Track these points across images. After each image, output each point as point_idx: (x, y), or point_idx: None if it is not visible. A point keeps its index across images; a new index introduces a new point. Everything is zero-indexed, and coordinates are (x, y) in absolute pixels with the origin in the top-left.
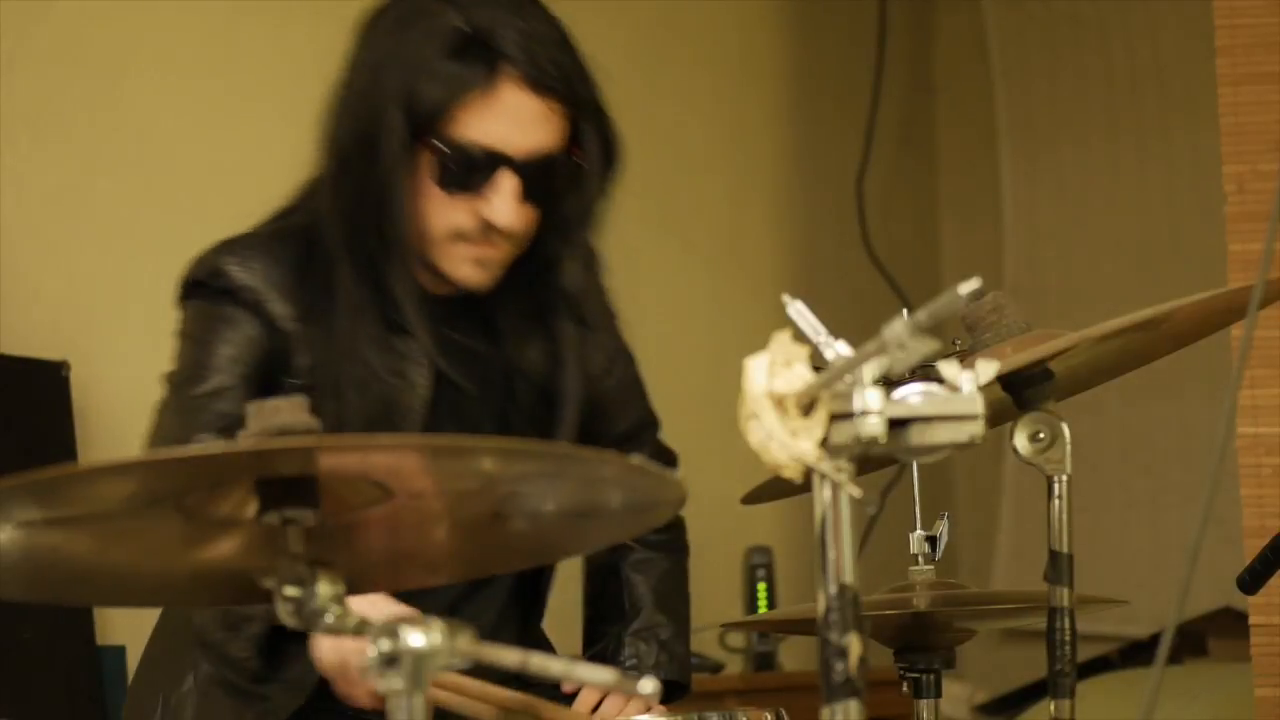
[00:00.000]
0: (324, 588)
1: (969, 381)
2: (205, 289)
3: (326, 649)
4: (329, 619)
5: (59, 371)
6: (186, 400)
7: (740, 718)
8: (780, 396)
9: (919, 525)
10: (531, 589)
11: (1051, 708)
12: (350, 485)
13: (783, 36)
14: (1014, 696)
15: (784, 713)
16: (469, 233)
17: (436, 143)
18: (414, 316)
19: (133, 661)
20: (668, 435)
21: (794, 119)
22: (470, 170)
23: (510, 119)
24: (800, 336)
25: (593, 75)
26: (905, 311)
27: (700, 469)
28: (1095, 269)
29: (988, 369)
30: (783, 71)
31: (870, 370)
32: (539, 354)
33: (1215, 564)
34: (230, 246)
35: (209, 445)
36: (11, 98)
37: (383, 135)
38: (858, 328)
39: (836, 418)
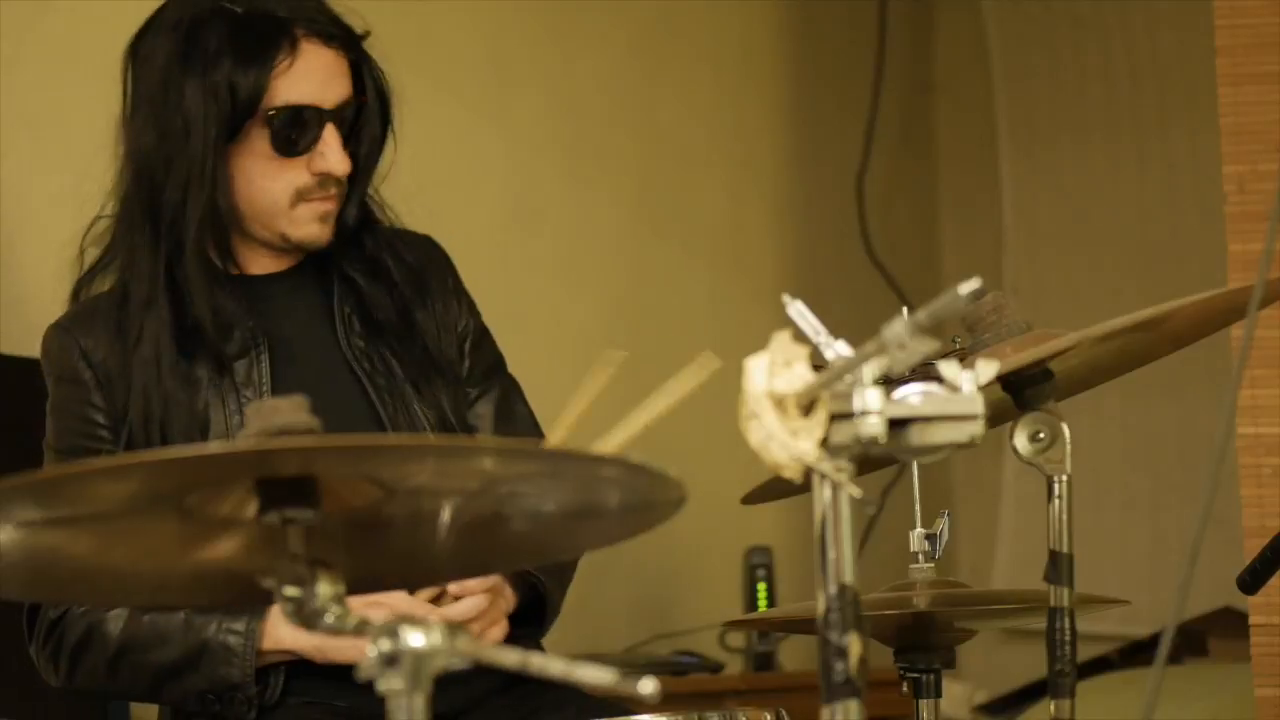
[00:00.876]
0: (324, 588)
1: (969, 381)
2: (45, 365)
3: (298, 637)
4: (329, 619)
5: None
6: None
7: (740, 718)
8: (780, 396)
9: (919, 524)
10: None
11: (1051, 708)
12: (350, 485)
13: (783, 36)
14: (1014, 696)
15: (784, 713)
16: (308, 189)
17: (269, 112)
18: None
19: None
20: (668, 435)
21: (794, 119)
22: (300, 130)
23: (319, 76)
24: (800, 336)
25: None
26: (905, 311)
27: (700, 469)
28: (1095, 269)
29: (988, 369)
30: (783, 71)
31: (870, 370)
32: (388, 300)
33: (1215, 564)
34: (59, 323)
35: (209, 445)
36: (11, 98)
37: (201, 132)
38: (858, 328)
39: (836, 418)
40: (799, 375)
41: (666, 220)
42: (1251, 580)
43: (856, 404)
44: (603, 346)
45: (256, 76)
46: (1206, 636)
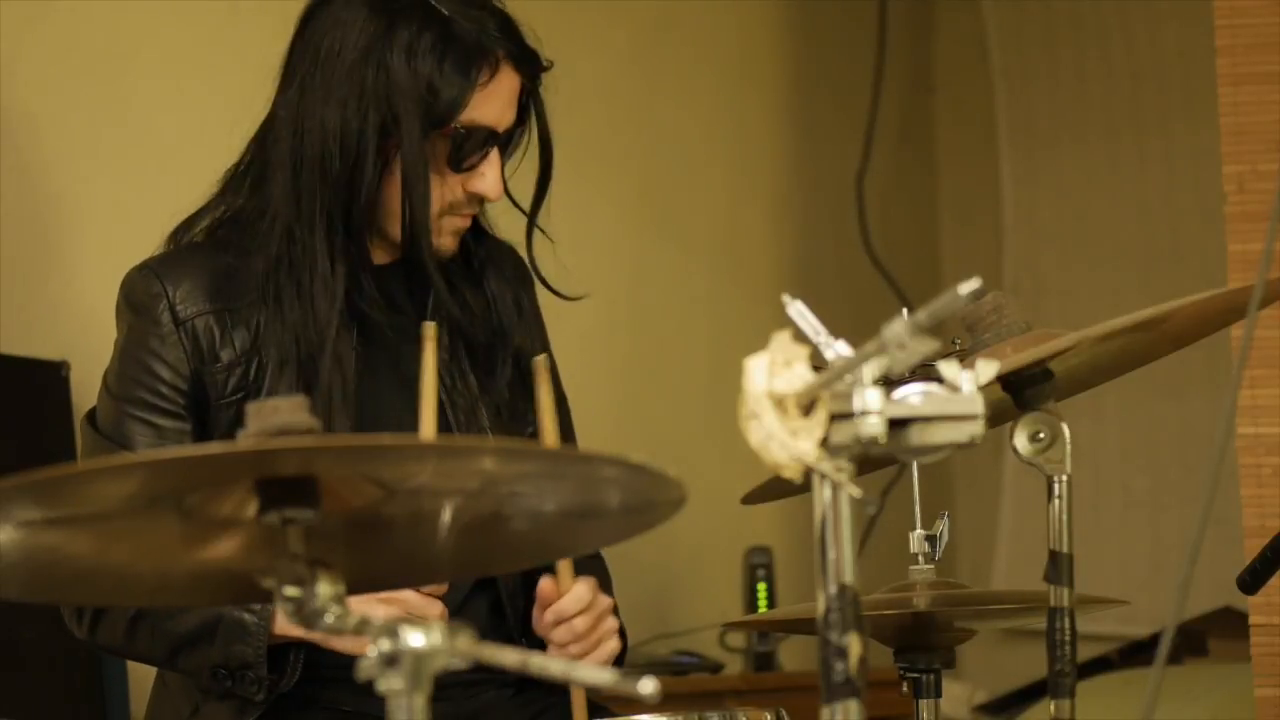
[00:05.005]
0: (324, 588)
1: (969, 381)
2: (124, 305)
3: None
4: (329, 619)
5: (59, 371)
6: (118, 407)
7: (740, 718)
8: (780, 396)
9: (919, 525)
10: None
11: (1051, 708)
12: (350, 485)
13: (783, 36)
14: (1014, 696)
15: (784, 713)
16: (458, 204)
17: (456, 127)
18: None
19: (133, 661)
20: (669, 434)
21: (794, 119)
22: (475, 149)
23: (503, 100)
24: (800, 336)
25: None
26: (905, 311)
27: (700, 469)
28: (1095, 269)
29: (988, 369)
30: (783, 71)
31: (870, 370)
32: (480, 305)
33: (1215, 564)
34: (150, 264)
35: (209, 445)
36: (11, 98)
37: (397, 118)
38: (858, 328)
39: (836, 418)
40: (799, 375)
41: (666, 220)
42: (1251, 580)
43: (856, 404)
44: (603, 346)
45: (460, 88)
46: (1206, 636)
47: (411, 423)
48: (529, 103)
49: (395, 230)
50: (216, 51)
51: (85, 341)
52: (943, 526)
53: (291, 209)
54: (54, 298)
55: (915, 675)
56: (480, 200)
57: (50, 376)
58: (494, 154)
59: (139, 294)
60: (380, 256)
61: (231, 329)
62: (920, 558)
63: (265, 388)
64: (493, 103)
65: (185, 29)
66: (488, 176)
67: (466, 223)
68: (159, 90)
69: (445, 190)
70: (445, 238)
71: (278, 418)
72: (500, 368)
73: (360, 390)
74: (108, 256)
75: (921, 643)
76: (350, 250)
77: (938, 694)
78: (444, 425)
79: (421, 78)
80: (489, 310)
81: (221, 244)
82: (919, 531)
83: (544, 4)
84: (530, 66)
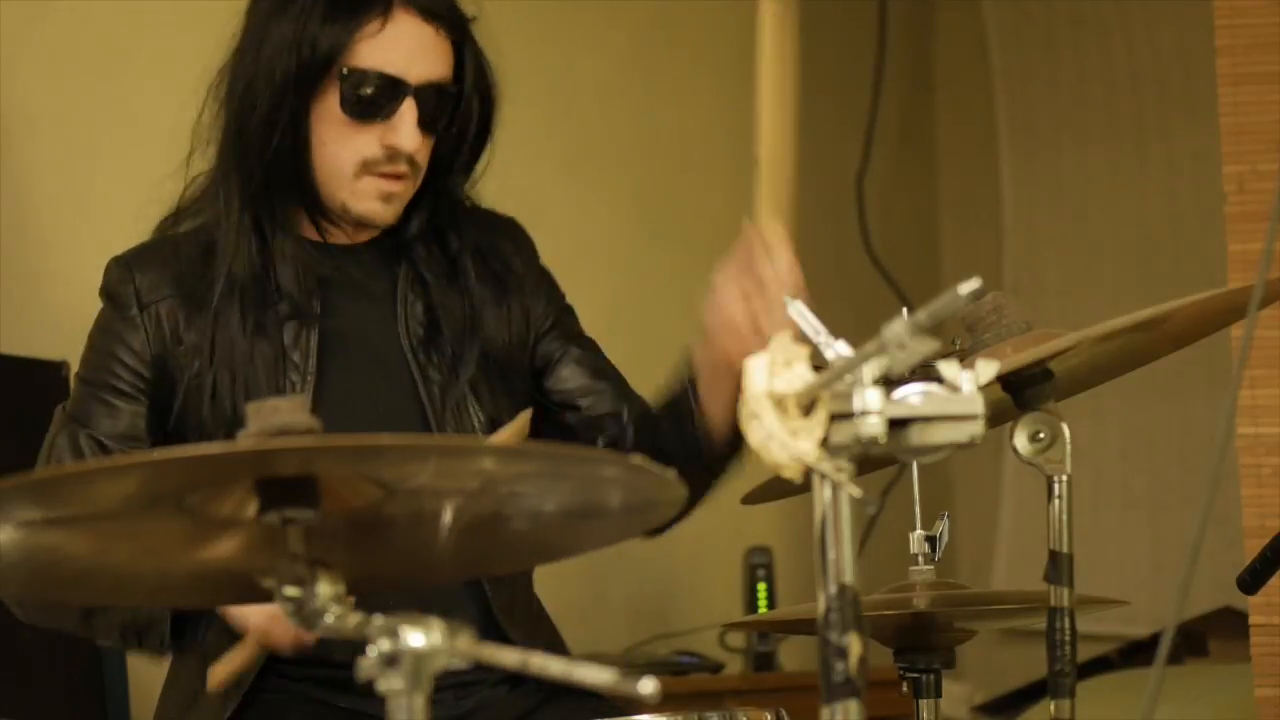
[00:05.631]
0: (324, 588)
1: (969, 381)
2: (100, 294)
3: (251, 612)
4: (329, 619)
5: (59, 371)
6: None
7: (740, 718)
8: (780, 396)
9: (919, 525)
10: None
11: (1051, 708)
12: (350, 485)
13: None
14: (1014, 696)
15: (784, 713)
16: (376, 161)
17: (344, 71)
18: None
19: (133, 661)
20: None
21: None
22: (375, 97)
23: (406, 47)
24: (800, 336)
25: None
26: (905, 311)
27: None
28: (1095, 269)
29: (988, 369)
30: None
31: (870, 370)
32: (459, 305)
33: (1215, 564)
34: (124, 255)
35: (209, 445)
36: (11, 98)
37: (283, 81)
38: (858, 328)
39: (836, 418)
40: (799, 375)
41: (665, 220)
42: (1251, 580)
43: (856, 404)
44: (602, 346)
45: (338, 33)
46: (1206, 636)
47: (373, 406)
48: (464, 57)
49: (327, 203)
50: (216, 51)
51: (85, 342)
52: (943, 527)
53: (218, 180)
54: (54, 298)
55: (915, 675)
56: (403, 156)
57: (50, 376)
58: (406, 105)
59: (112, 282)
60: (340, 236)
61: (197, 313)
62: (920, 558)
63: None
64: (391, 49)
65: (185, 29)
66: (400, 129)
67: (393, 187)
68: (159, 90)
69: (359, 144)
70: (370, 201)
71: (278, 418)
72: (464, 362)
73: (325, 368)
74: (108, 256)
75: (921, 643)
76: (271, 220)
77: (938, 694)
78: (418, 406)
79: (303, 35)
80: (461, 300)
81: (193, 233)
82: (919, 532)
83: (543, 4)
84: (444, 17)
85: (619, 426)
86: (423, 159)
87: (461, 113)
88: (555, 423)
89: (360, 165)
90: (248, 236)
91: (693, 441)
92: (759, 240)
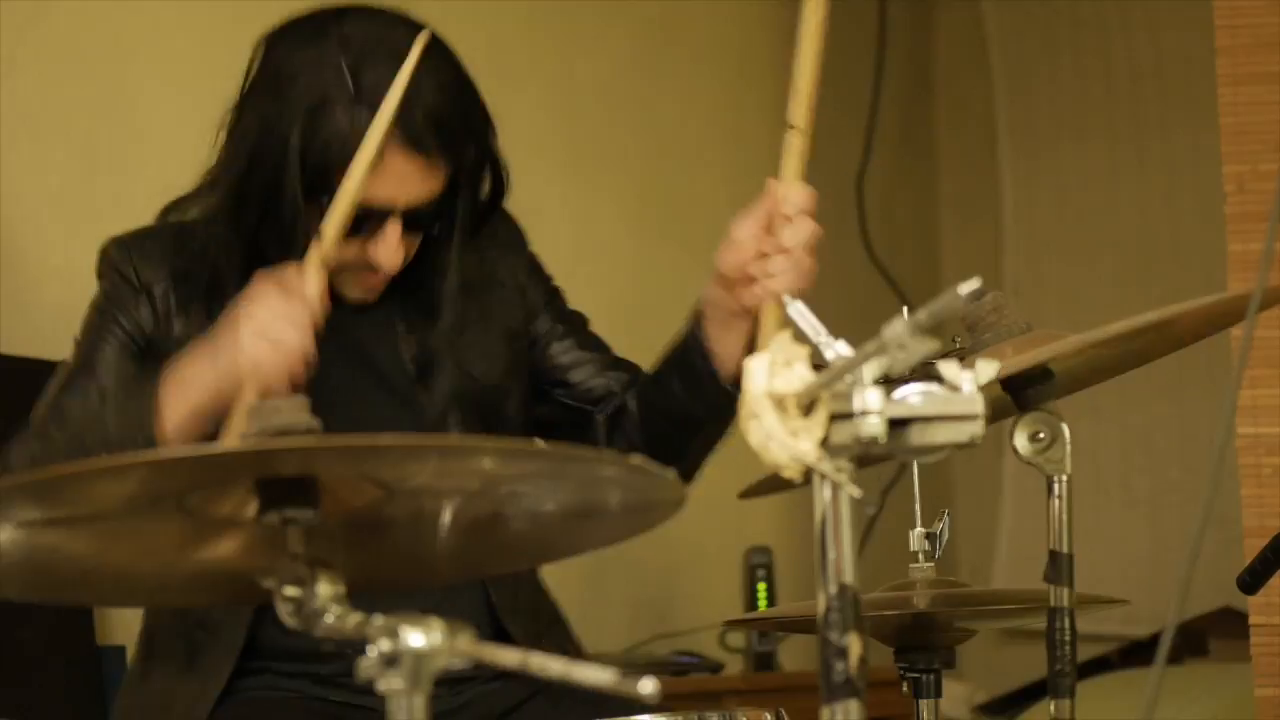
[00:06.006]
0: (324, 588)
1: (969, 381)
2: (98, 269)
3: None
4: (329, 619)
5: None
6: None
7: (740, 718)
8: (780, 396)
9: (919, 523)
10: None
11: (1051, 708)
12: (350, 485)
13: (783, 36)
14: (1014, 696)
15: (784, 713)
16: (355, 267)
17: (326, 199)
18: None
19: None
20: None
21: None
22: (358, 222)
23: (395, 179)
24: (800, 336)
25: (477, 108)
26: (905, 311)
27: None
28: (1095, 269)
29: (988, 369)
30: (783, 71)
31: (870, 370)
32: (445, 338)
33: (1215, 564)
34: (123, 236)
35: (209, 445)
36: (11, 98)
37: (285, 183)
38: (858, 328)
39: (837, 418)
40: (799, 375)
41: (666, 220)
42: (1251, 580)
43: (857, 404)
44: None
45: (330, 159)
46: (1206, 636)
47: (364, 407)
48: (459, 175)
49: None
50: (216, 51)
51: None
52: (943, 525)
53: (219, 208)
54: (54, 298)
55: (915, 675)
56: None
57: (50, 376)
58: (390, 227)
59: (111, 257)
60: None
61: (186, 303)
62: (920, 557)
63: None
64: (381, 182)
65: (185, 29)
66: (379, 249)
67: (375, 284)
68: (159, 90)
69: (340, 250)
70: (355, 290)
71: (278, 418)
72: (435, 382)
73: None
74: None
75: (922, 642)
76: (263, 257)
77: (938, 694)
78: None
79: (298, 130)
80: (448, 337)
81: (188, 229)
82: (919, 530)
83: (544, 4)
84: (435, 148)
85: (617, 398)
86: (408, 255)
87: (460, 213)
88: (551, 401)
89: (340, 268)
90: (241, 258)
91: (705, 389)
92: (783, 201)
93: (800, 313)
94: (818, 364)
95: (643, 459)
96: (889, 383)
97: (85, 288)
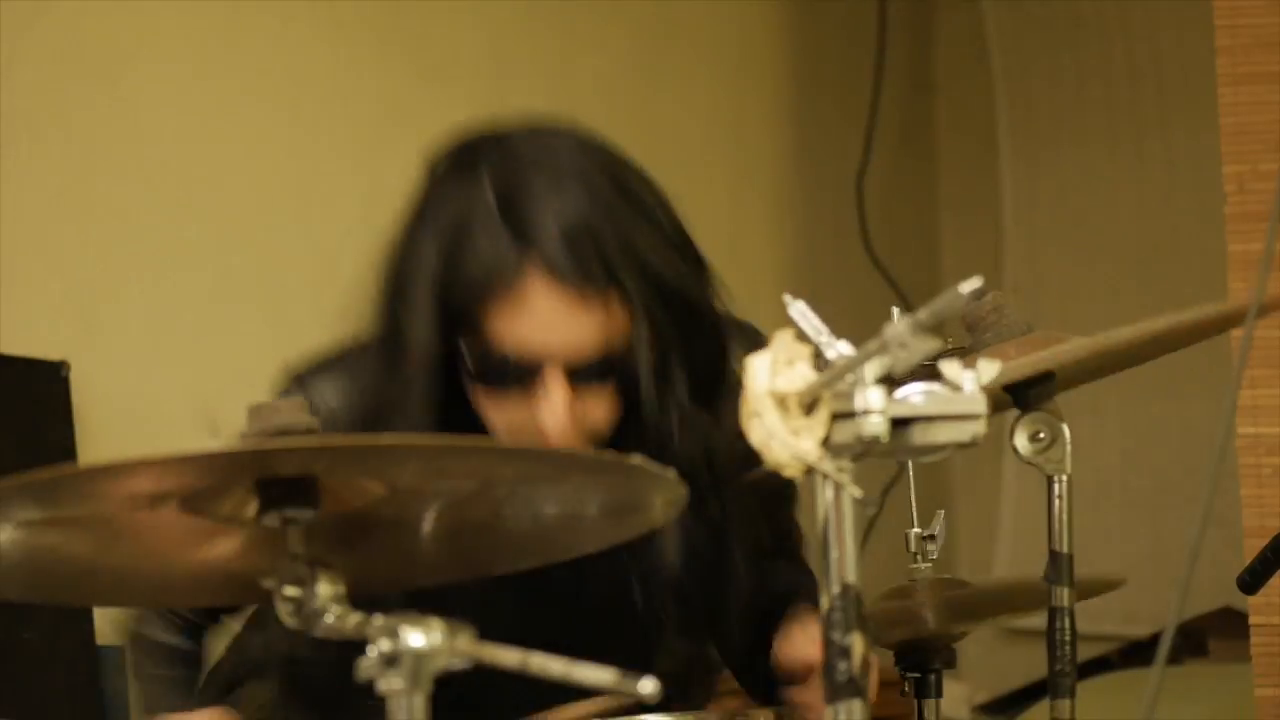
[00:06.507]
0: (324, 588)
1: (971, 381)
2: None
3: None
4: (329, 619)
5: (59, 371)
6: None
7: (740, 718)
8: (782, 395)
9: (916, 523)
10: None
11: (1051, 708)
12: (350, 485)
13: (783, 36)
14: (1014, 696)
15: (784, 713)
16: (529, 430)
17: (466, 344)
18: None
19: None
20: None
21: (794, 119)
22: (506, 374)
23: (542, 320)
24: (801, 336)
25: (649, 227)
26: (899, 312)
27: None
28: (1095, 269)
29: (989, 369)
30: (783, 71)
31: (872, 369)
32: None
33: (1215, 564)
34: (306, 370)
35: (209, 445)
36: (11, 98)
37: (417, 328)
38: (858, 328)
39: (838, 417)
40: (801, 374)
41: None
42: (1251, 580)
43: (858, 403)
44: None
45: (467, 298)
46: (1206, 636)
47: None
48: (635, 309)
49: None
50: (216, 51)
51: (85, 341)
52: (939, 524)
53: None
54: (54, 298)
55: (915, 675)
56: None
57: (50, 376)
58: (551, 382)
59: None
60: None
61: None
62: (919, 557)
63: None
64: (525, 324)
65: (185, 29)
66: (543, 408)
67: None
68: (159, 90)
69: (504, 409)
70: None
71: (278, 418)
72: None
73: None
74: (108, 256)
75: (922, 643)
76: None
77: (938, 694)
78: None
79: (443, 253)
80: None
81: (358, 362)
82: (916, 531)
83: (544, 3)
84: (591, 281)
85: None
86: (590, 424)
87: (642, 358)
88: None
89: (514, 430)
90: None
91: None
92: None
93: (801, 313)
94: (818, 364)
95: (642, 459)
96: (889, 383)
97: (85, 288)
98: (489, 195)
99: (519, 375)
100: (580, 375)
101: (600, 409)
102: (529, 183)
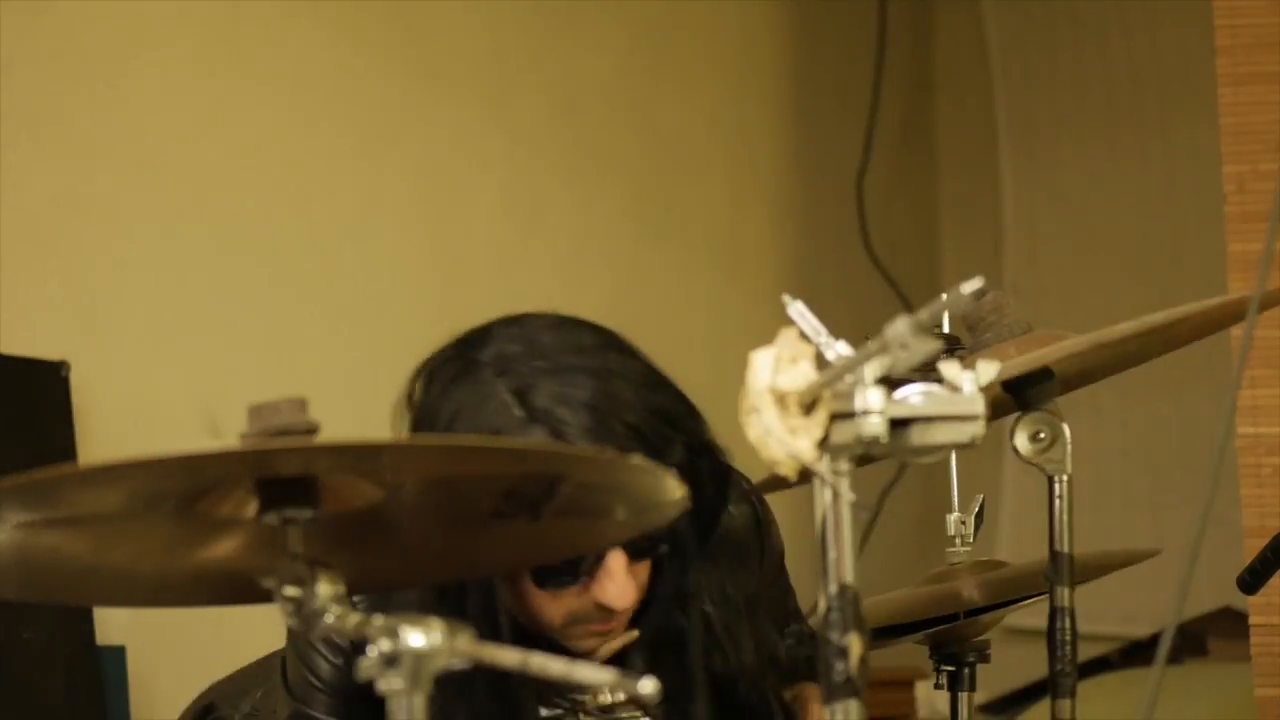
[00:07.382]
0: (324, 588)
1: (970, 381)
2: None
3: None
4: (329, 619)
5: (59, 371)
6: None
7: None
8: (782, 393)
9: (956, 507)
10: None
11: (1052, 708)
12: (350, 485)
13: (783, 36)
14: (1014, 696)
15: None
16: (587, 615)
17: None
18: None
19: (133, 661)
20: None
21: (794, 119)
22: (578, 570)
23: None
24: (801, 337)
25: (675, 397)
26: (900, 315)
27: None
28: (1095, 269)
29: (989, 369)
30: (783, 71)
31: (872, 370)
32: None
33: (1215, 564)
34: None
35: (209, 445)
36: (11, 98)
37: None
38: (858, 328)
39: (838, 417)
40: (803, 373)
41: (666, 220)
42: (1251, 580)
43: (858, 403)
44: None
45: None
46: (1206, 636)
47: None
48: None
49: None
50: (216, 51)
51: (85, 341)
52: (977, 507)
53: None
54: (54, 298)
55: (950, 669)
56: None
57: (50, 376)
58: (613, 561)
59: None
60: None
61: None
62: (959, 540)
63: None
64: None
65: (185, 29)
66: (605, 586)
67: (609, 630)
68: (159, 90)
69: (561, 603)
70: (585, 642)
71: (278, 418)
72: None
73: None
74: (108, 256)
75: (958, 633)
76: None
77: (972, 687)
78: None
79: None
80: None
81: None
82: (955, 515)
83: (545, 3)
84: (639, 455)
85: None
86: (643, 579)
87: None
88: None
89: (569, 619)
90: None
91: None
92: None
93: (800, 313)
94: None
95: (642, 459)
96: (889, 382)
97: (85, 288)
98: (507, 397)
99: (583, 567)
100: (637, 550)
101: (645, 571)
102: (539, 372)
